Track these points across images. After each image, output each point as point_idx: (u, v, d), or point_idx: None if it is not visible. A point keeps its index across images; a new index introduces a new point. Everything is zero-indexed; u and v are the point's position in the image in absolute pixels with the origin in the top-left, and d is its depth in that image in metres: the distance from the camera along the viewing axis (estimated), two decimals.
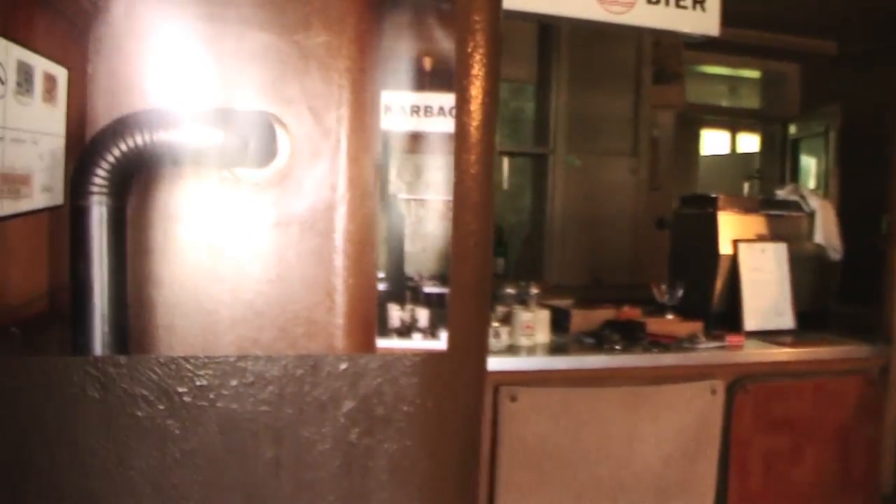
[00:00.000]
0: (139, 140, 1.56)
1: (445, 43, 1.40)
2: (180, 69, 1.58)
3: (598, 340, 2.95)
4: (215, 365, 1.61)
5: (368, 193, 1.48)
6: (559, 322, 3.12)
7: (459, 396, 1.37)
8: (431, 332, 1.39)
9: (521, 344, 2.88)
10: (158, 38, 1.59)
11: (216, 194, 1.57)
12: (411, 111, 1.47)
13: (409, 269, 1.47)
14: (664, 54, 5.15)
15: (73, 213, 1.65)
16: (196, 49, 1.58)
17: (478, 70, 1.29)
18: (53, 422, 1.55)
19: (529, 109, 5.31)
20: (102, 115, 1.66)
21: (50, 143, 1.90)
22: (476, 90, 1.30)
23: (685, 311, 3.22)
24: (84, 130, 1.74)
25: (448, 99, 1.33)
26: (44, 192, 1.94)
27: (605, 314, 3.17)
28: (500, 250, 5.03)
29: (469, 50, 1.28)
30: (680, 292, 3.15)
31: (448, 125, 1.32)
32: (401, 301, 1.41)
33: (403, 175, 1.45)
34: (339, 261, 1.46)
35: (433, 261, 1.43)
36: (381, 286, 1.47)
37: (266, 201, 1.52)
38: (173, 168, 1.60)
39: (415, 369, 1.38)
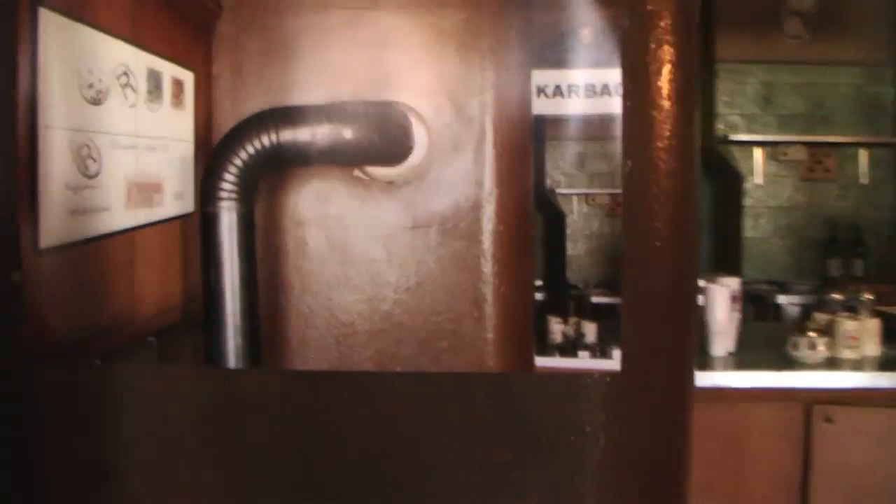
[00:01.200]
0: (265, 141, 1.44)
1: (608, 9, 1.17)
2: (304, 62, 1.44)
3: None
4: (353, 381, 1.45)
5: (520, 189, 1.28)
6: None
7: (641, 428, 1.15)
8: (601, 349, 1.16)
9: (844, 357, 2.47)
10: (281, 32, 1.46)
11: (347, 195, 1.42)
12: (569, 92, 1.25)
13: (573, 276, 1.25)
14: None
15: (203, 219, 1.55)
16: (321, 40, 1.43)
17: (660, 36, 1.05)
18: (187, 430, 1.45)
19: (889, 95, 4.71)
20: (228, 116, 1.56)
21: (179, 148, 1.85)
22: (658, 62, 1.06)
23: None
24: (211, 133, 1.65)
25: (615, 75, 1.10)
26: (176, 199, 1.89)
27: None
28: (858, 251, 4.48)
29: (646, 13, 1.05)
30: None
31: (616, 106, 1.09)
32: (563, 313, 1.21)
33: (563, 166, 1.22)
34: (488, 266, 1.27)
35: (601, 266, 1.20)
36: (539, 296, 1.26)
37: (402, 201, 1.35)
38: (301, 168, 1.47)
39: (581, 393, 1.16)
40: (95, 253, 1.80)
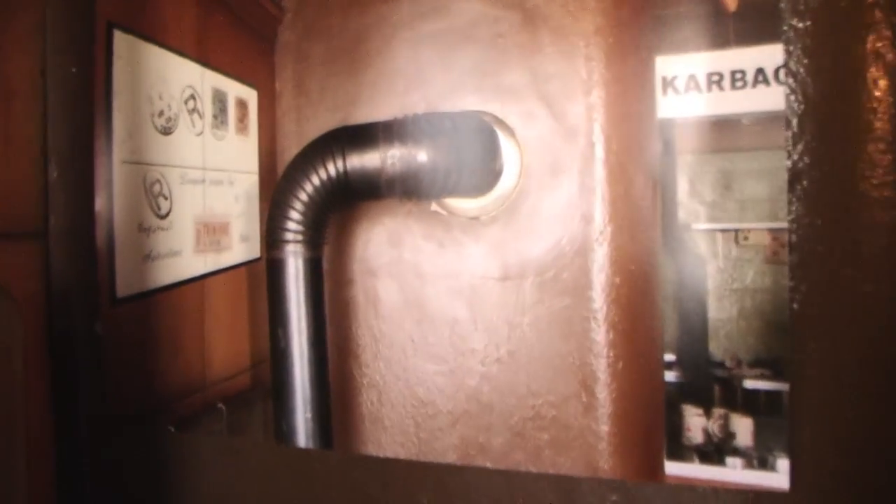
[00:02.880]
0: (331, 169, 1.29)
1: None
2: (370, 68, 1.27)
3: None
4: (434, 475, 1.24)
5: (642, 225, 1.01)
6: None
7: None
8: (759, 456, 0.86)
9: None
10: (345, 33, 1.31)
11: (423, 236, 1.22)
12: (708, 83, 0.97)
13: (718, 350, 0.97)
14: None
15: (269, 267, 1.42)
16: (389, 38, 1.26)
17: None
18: None
19: None
20: (292, 139, 1.44)
21: (244, 182, 1.76)
22: (853, 29, 0.77)
23: None
24: (275, 161, 1.53)
25: (772, 53, 0.81)
26: (241, 242, 1.80)
27: None
28: None
29: None
30: None
31: (775, 98, 0.80)
32: (705, 402, 0.91)
33: (701, 191, 0.95)
34: (600, 333, 1.01)
35: (760, 335, 0.90)
36: (671, 376, 0.98)
37: (489, 243, 1.13)
38: (371, 203, 1.30)
39: None
40: (167, 305, 1.75)
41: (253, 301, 1.76)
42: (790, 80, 0.83)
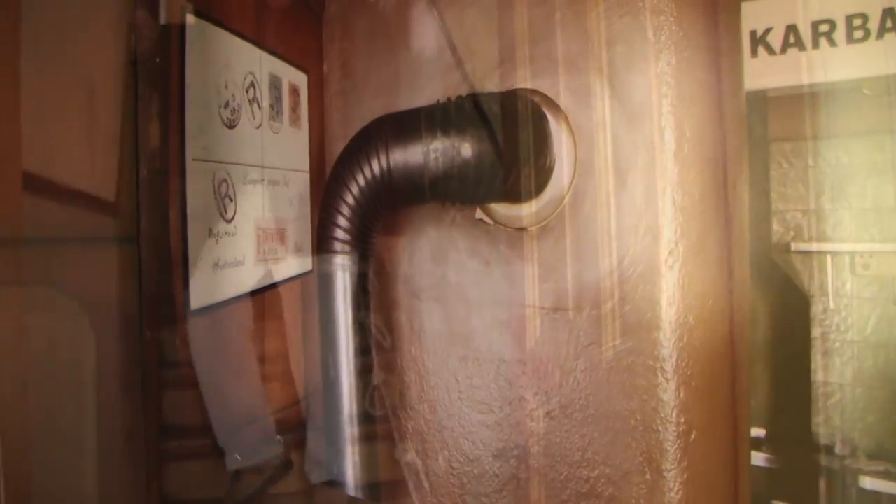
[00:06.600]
0: (375, 167, 1.19)
1: None
2: (412, 37, 1.14)
3: None
4: None
5: (725, 242, 0.79)
6: None
7: None
8: None
9: None
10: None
11: (468, 252, 1.07)
12: (814, 35, 0.74)
13: (823, 426, 0.76)
14: None
15: (319, 282, 1.35)
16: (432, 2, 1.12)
17: None
18: None
19: None
20: (338, 129, 1.35)
21: (298, 181, 1.69)
22: None
23: None
24: (324, 155, 1.44)
25: None
26: (295, 252, 1.72)
27: None
28: None
29: None
30: None
31: None
32: (804, 497, 0.72)
33: (804, 195, 0.76)
34: (669, 390, 0.81)
35: (885, 411, 0.69)
36: (759, 458, 0.77)
37: (537, 263, 0.94)
38: (414, 209, 1.17)
39: None
40: (231, 320, 1.71)
41: (306, 321, 1.68)
42: None
